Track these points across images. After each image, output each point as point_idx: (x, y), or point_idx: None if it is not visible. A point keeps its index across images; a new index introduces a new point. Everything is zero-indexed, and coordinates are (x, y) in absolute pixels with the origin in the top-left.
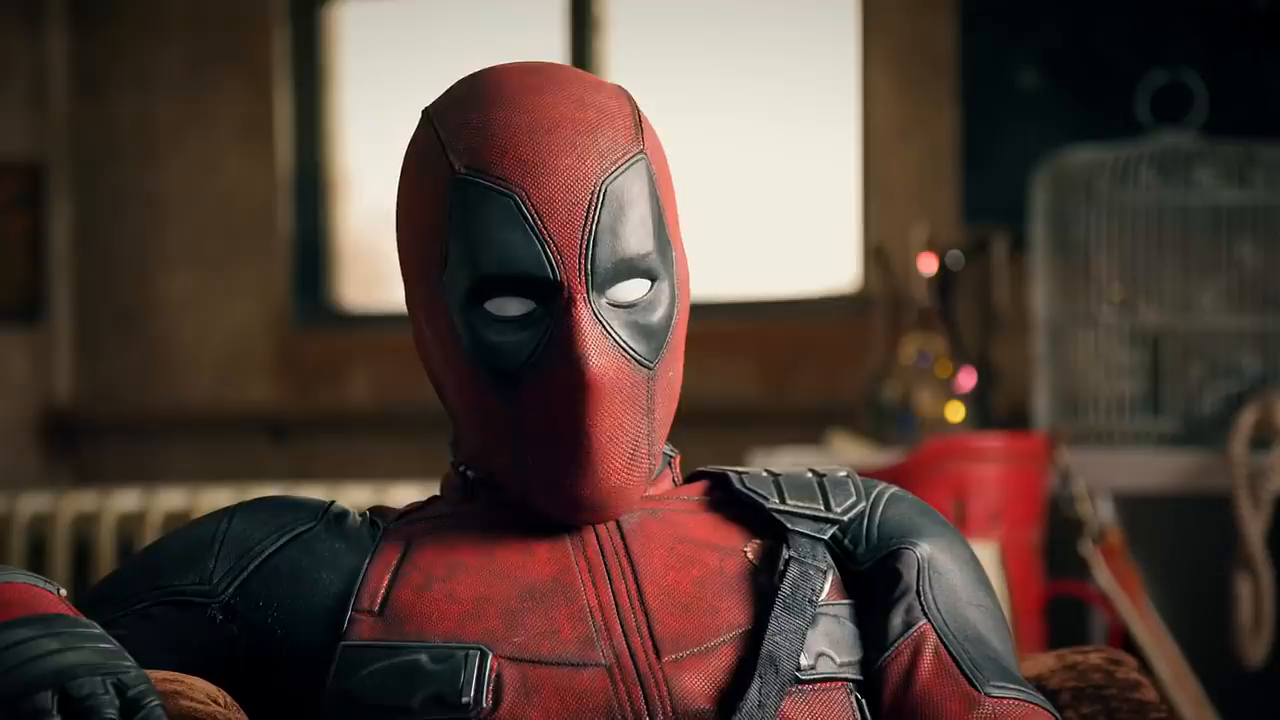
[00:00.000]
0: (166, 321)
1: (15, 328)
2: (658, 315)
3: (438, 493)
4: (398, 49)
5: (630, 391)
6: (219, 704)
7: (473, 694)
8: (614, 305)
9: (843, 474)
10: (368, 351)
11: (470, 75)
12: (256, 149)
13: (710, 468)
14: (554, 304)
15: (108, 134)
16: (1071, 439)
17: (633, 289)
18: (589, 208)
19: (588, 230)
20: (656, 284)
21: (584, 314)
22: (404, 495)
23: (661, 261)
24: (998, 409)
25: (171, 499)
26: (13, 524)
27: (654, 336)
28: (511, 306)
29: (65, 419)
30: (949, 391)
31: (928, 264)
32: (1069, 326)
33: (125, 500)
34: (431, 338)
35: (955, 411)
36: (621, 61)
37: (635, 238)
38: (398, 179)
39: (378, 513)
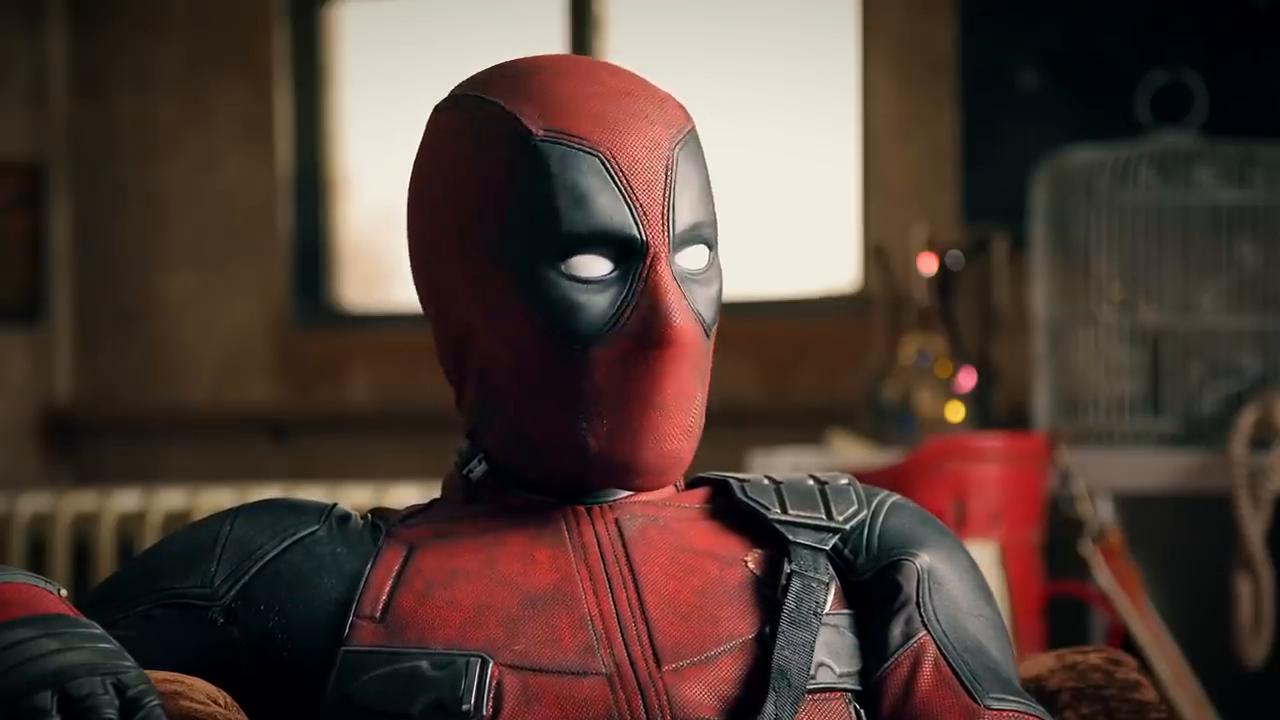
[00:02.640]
0: (166, 321)
1: (15, 328)
2: (716, 284)
3: (439, 494)
4: (398, 49)
5: (698, 357)
6: (219, 705)
7: (473, 701)
8: (684, 268)
9: (844, 481)
10: (368, 351)
11: (506, 61)
12: (256, 149)
13: (711, 474)
14: (635, 264)
15: (108, 134)
16: (1071, 439)
17: (698, 256)
18: (667, 170)
19: (668, 192)
20: (713, 254)
21: (668, 272)
22: (404, 495)
23: (716, 235)
24: (998, 409)
25: (171, 499)
26: (13, 524)
27: (713, 305)
28: (592, 267)
29: (65, 419)
30: (949, 391)
31: (928, 264)
32: (1069, 326)
33: (125, 500)
34: (483, 314)
35: (955, 411)
36: (621, 61)
37: (701, 204)
38: (416, 168)
39: (379, 515)
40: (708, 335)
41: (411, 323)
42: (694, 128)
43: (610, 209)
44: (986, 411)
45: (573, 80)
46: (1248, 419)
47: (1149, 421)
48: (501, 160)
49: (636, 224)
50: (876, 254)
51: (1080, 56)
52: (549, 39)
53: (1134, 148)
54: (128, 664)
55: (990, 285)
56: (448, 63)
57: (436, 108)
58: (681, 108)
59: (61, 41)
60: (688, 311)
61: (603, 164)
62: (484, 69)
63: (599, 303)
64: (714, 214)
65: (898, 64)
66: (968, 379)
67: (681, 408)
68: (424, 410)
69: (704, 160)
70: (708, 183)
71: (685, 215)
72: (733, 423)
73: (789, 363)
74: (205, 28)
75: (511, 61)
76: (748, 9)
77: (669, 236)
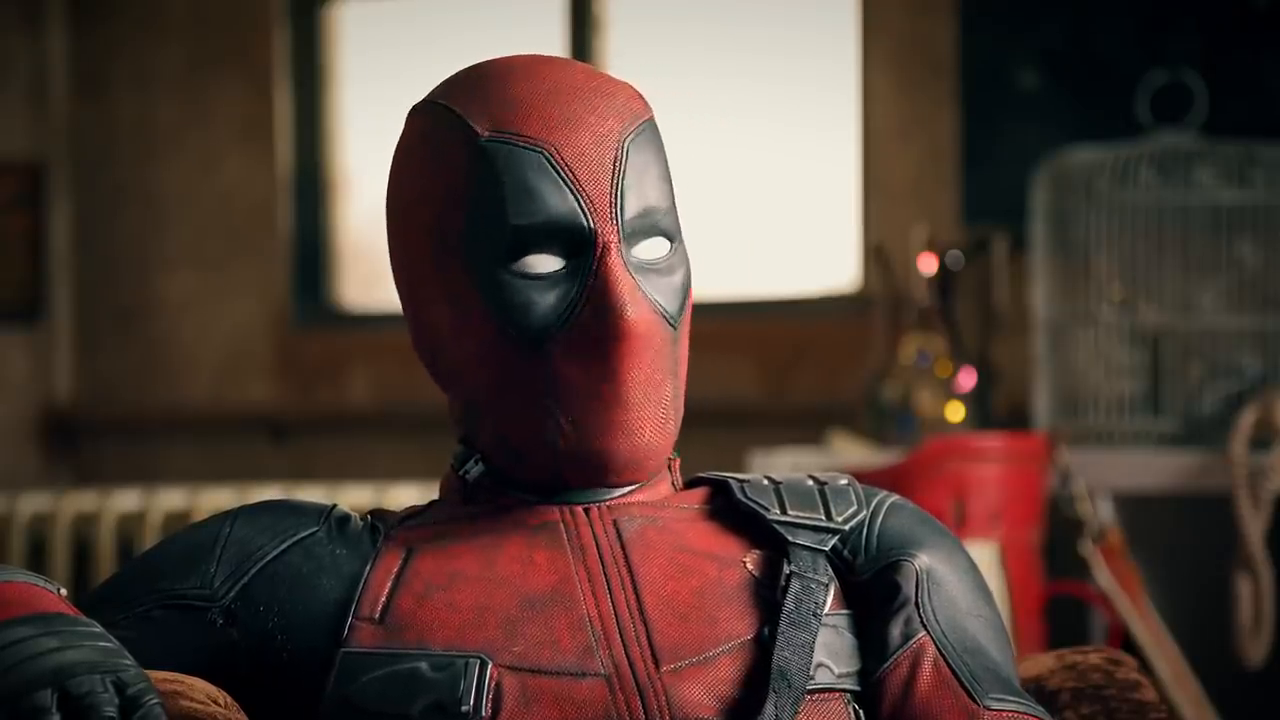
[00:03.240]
0: (166, 321)
1: (15, 328)
2: (678, 276)
3: (438, 494)
4: (398, 49)
5: (661, 348)
6: (219, 704)
7: (472, 703)
8: (640, 259)
9: (843, 482)
10: (368, 351)
11: (467, 67)
12: (256, 149)
13: (710, 474)
14: (586, 258)
15: (108, 134)
16: (1071, 439)
17: (656, 246)
18: (615, 162)
19: (615, 183)
20: (674, 245)
21: (618, 264)
22: (404, 495)
23: (675, 225)
24: (998, 409)
25: (171, 499)
26: (13, 524)
27: (675, 296)
28: (542, 264)
29: (65, 419)
30: (949, 391)
31: (928, 264)
32: (1069, 326)
33: (125, 500)
34: (451, 317)
35: (955, 411)
36: (621, 61)
37: (655, 196)
38: (391, 172)
39: (378, 516)
40: (672, 325)
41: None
42: (650, 118)
43: (557, 202)
44: (986, 411)
45: (522, 80)
46: (1248, 419)
47: (1149, 421)
48: (456, 164)
49: (584, 215)
50: (876, 254)
51: (1080, 56)
52: (549, 39)
53: (1134, 148)
54: (127, 662)
55: (990, 285)
56: (448, 63)
57: (408, 112)
58: (638, 98)
59: (61, 41)
60: (643, 302)
61: (548, 159)
62: (454, 73)
63: (551, 299)
64: (672, 204)
65: (898, 64)
66: (968, 379)
67: (649, 400)
68: (424, 410)
69: (661, 151)
70: (665, 173)
71: (637, 205)
72: (733, 423)
73: (789, 363)
74: (205, 28)
75: (473, 65)
76: (748, 9)
77: (619, 227)
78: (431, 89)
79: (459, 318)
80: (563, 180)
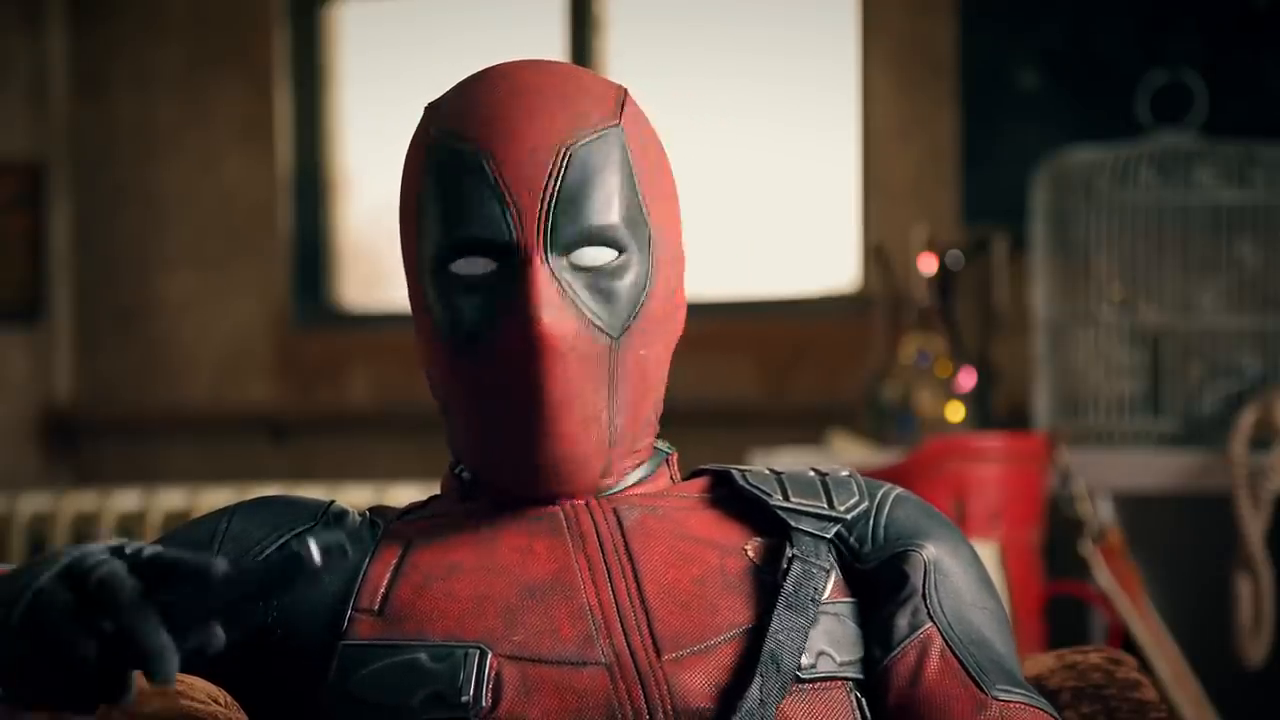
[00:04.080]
0: (166, 321)
1: (15, 328)
2: (623, 282)
3: (438, 492)
4: (398, 49)
5: (588, 356)
6: (219, 704)
7: (472, 693)
8: (576, 268)
9: (845, 473)
10: (368, 351)
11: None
12: (256, 149)
13: (712, 465)
14: (512, 263)
15: (108, 134)
16: (1071, 439)
17: (597, 254)
18: (552, 170)
19: (548, 192)
20: (624, 254)
21: (540, 273)
22: (404, 495)
23: (632, 235)
24: (998, 409)
25: (171, 499)
26: (13, 524)
27: (617, 303)
28: (475, 266)
29: (65, 419)
30: (949, 391)
31: (928, 264)
32: (1069, 326)
33: (125, 500)
34: (417, 319)
35: (955, 411)
36: (621, 61)
37: (597, 207)
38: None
39: (377, 512)
40: (609, 333)
41: (411, 323)
42: (614, 126)
43: (485, 210)
44: (986, 411)
45: (491, 83)
46: (1248, 419)
47: (1149, 421)
48: (417, 166)
49: (509, 225)
50: (876, 254)
51: (1080, 56)
52: (549, 39)
53: (1134, 148)
54: (118, 544)
55: (990, 285)
56: (448, 63)
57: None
58: (608, 105)
59: (61, 41)
60: (561, 310)
61: (482, 164)
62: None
63: (482, 301)
64: (631, 214)
65: (898, 64)
66: (968, 379)
67: (569, 409)
68: (424, 410)
69: (620, 159)
70: (624, 184)
71: (574, 214)
72: (733, 423)
73: (789, 363)
74: (205, 28)
75: (483, 69)
76: (748, 9)
77: (546, 236)
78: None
79: (420, 319)
80: (493, 186)
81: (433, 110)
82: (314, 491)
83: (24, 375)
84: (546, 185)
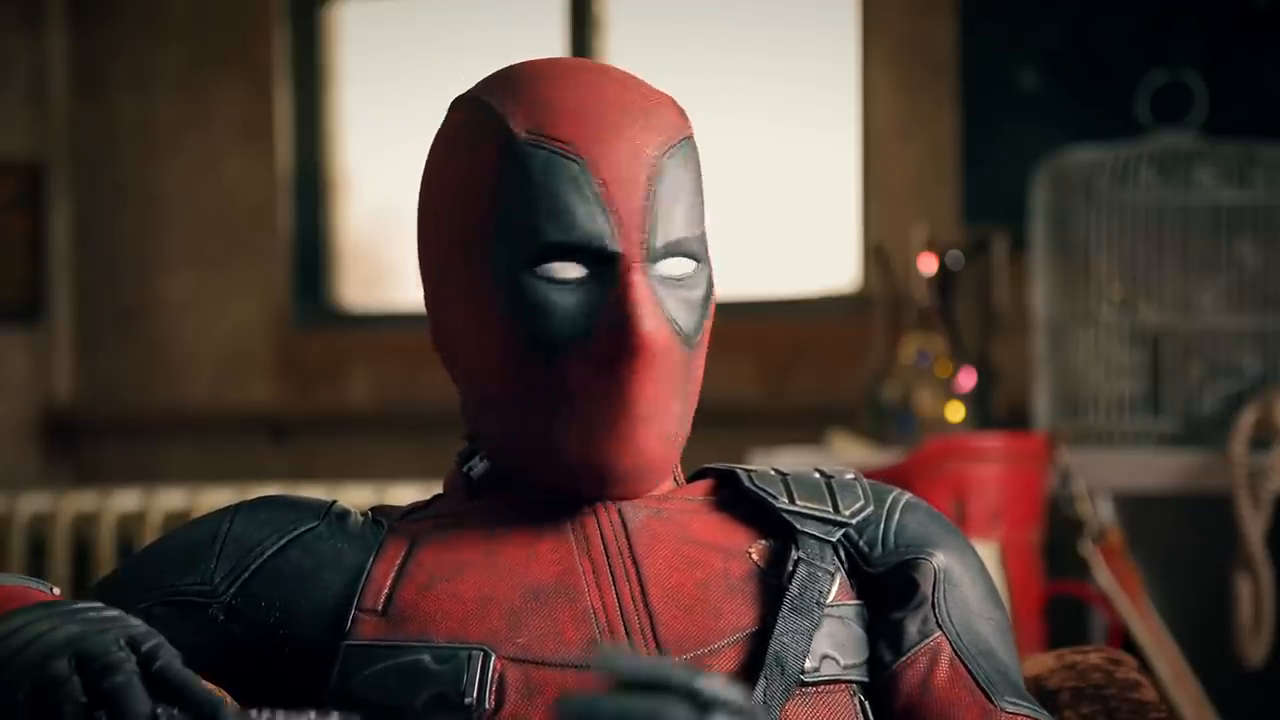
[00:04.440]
0: (166, 321)
1: (15, 328)
2: (698, 293)
3: (439, 491)
4: (398, 49)
5: (673, 367)
6: None
7: (475, 695)
8: (663, 278)
9: (850, 476)
10: (368, 351)
11: (510, 65)
12: (256, 149)
13: (717, 465)
14: (610, 271)
15: (108, 134)
16: (1071, 439)
17: (680, 265)
18: (649, 182)
19: (647, 203)
20: (699, 265)
21: (641, 281)
22: (404, 495)
23: (702, 246)
24: (998, 409)
25: (171, 499)
26: (13, 524)
27: (695, 314)
28: (566, 270)
29: (65, 419)
30: (949, 391)
31: (928, 264)
32: (1069, 326)
33: (125, 500)
34: (468, 312)
35: (955, 411)
36: (621, 62)
37: (686, 217)
38: (427, 163)
39: (380, 512)
40: (688, 345)
41: (411, 323)
42: (689, 136)
43: (586, 218)
44: (986, 411)
45: (565, 84)
46: (1248, 419)
47: (1149, 421)
48: (489, 162)
49: (612, 234)
50: (876, 254)
51: (1080, 56)
52: (549, 39)
53: (1134, 148)
54: (135, 622)
55: (990, 285)
56: (448, 63)
57: (450, 105)
58: (680, 115)
59: (61, 41)
60: (660, 319)
61: (582, 170)
62: (496, 70)
63: (571, 307)
64: (701, 226)
65: (898, 64)
66: (968, 379)
67: (656, 416)
68: (424, 410)
69: (696, 169)
70: (698, 192)
71: (666, 227)
72: (733, 423)
73: (789, 363)
74: (205, 28)
75: (516, 64)
76: (748, 9)
77: (646, 247)
78: (474, 84)
79: (477, 314)
80: (594, 194)
81: (497, 100)
82: (314, 491)
83: (24, 375)
84: (645, 197)
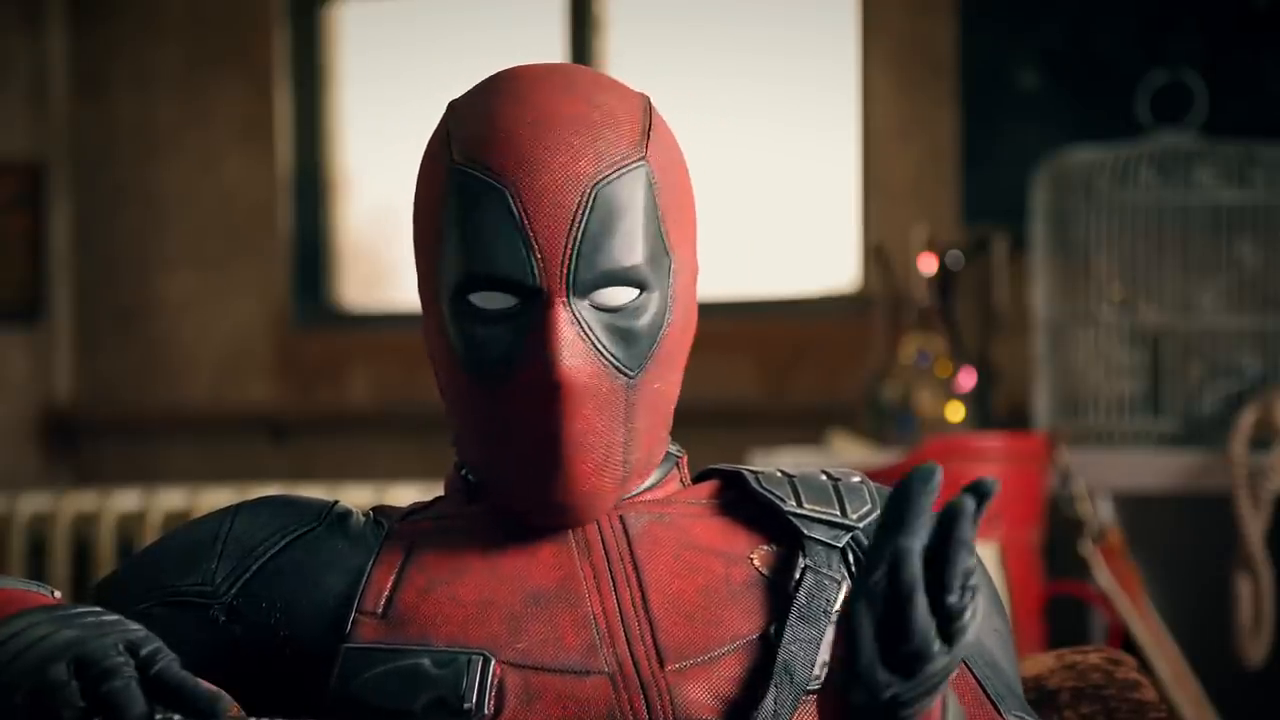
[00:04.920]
0: (166, 321)
1: (15, 328)
2: (642, 321)
3: (441, 492)
4: (398, 49)
5: (606, 397)
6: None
7: (475, 700)
8: (596, 308)
9: (856, 479)
10: (368, 351)
11: (496, 72)
12: (256, 149)
13: (723, 466)
14: (533, 304)
15: (108, 134)
16: (1071, 439)
17: (618, 294)
18: (576, 210)
19: (573, 234)
20: (645, 293)
21: (561, 316)
22: (404, 495)
23: (652, 272)
24: (998, 409)
25: (171, 499)
26: (13, 524)
27: (637, 343)
28: (495, 300)
29: (65, 419)
30: (949, 391)
31: (928, 264)
32: (1069, 326)
33: (125, 500)
34: (428, 326)
35: (955, 411)
36: (621, 61)
37: (621, 248)
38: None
39: (381, 513)
40: (627, 373)
41: (411, 323)
42: (639, 160)
43: (507, 252)
44: (986, 411)
45: (512, 104)
46: (1248, 419)
47: (1149, 421)
48: (436, 181)
49: (531, 268)
50: (876, 254)
51: (1080, 56)
52: (549, 39)
53: (1134, 148)
54: (134, 626)
55: (990, 285)
56: (448, 63)
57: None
58: (635, 135)
59: (61, 41)
60: (583, 354)
61: (506, 200)
62: (490, 74)
63: (501, 336)
64: (655, 252)
65: (898, 64)
66: (968, 379)
67: (587, 447)
68: (424, 410)
69: (645, 195)
70: (648, 220)
71: (598, 258)
72: (733, 423)
73: (789, 363)
74: (205, 28)
75: (498, 72)
76: (748, 9)
77: (568, 279)
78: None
79: (431, 329)
80: (518, 225)
81: (454, 117)
82: (314, 491)
83: (24, 375)
84: (571, 227)
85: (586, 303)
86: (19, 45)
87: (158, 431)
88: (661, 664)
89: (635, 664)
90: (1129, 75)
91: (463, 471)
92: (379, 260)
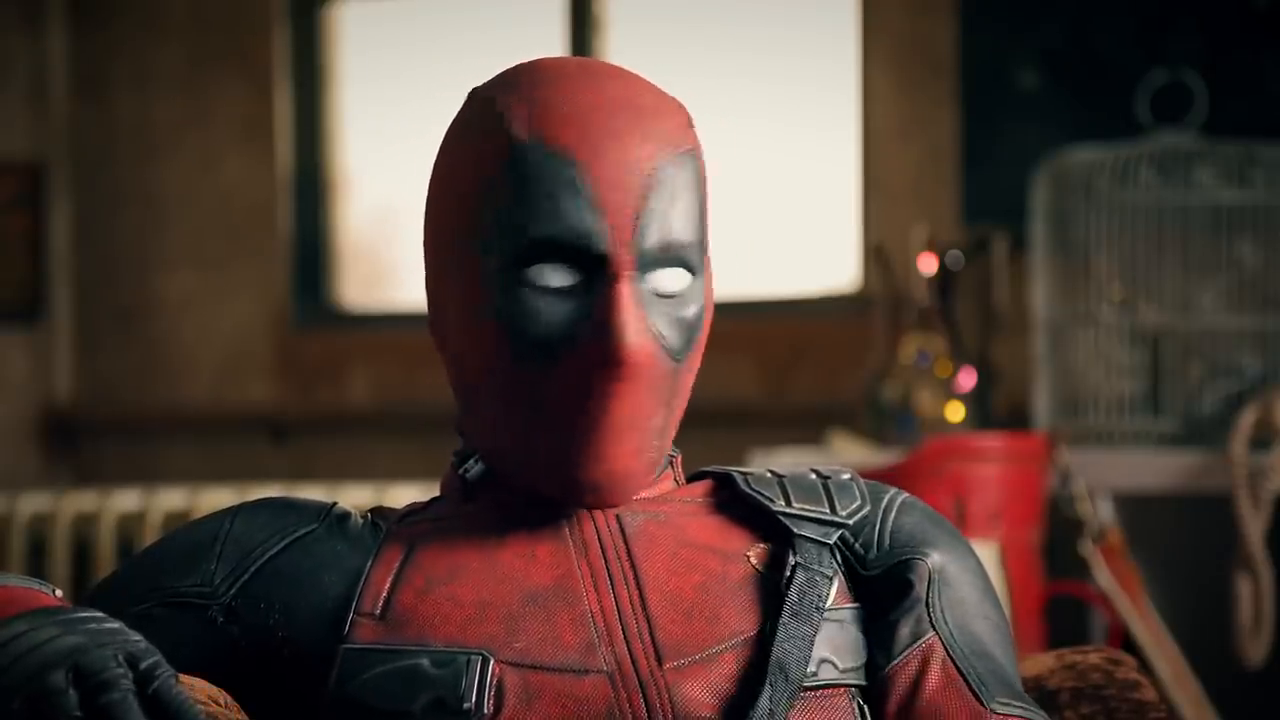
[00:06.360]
0: (166, 321)
1: (15, 328)
2: (691, 310)
3: (438, 493)
4: (398, 49)
5: (657, 380)
6: (220, 704)
7: (474, 699)
8: (654, 293)
9: (846, 476)
10: (368, 351)
11: (522, 63)
12: (256, 149)
13: (714, 468)
14: (598, 279)
15: (108, 134)
16: (1071, 439)
17: (674, 279)
18: (644, 187)
19: (641, 209)
20: (694, 279)
21: (627, 291)
22: (404, 495)
23: (699, 258)
24: (998, 409)
25: (171, 499)
26: (13, 524)
27: (685, 331)
28: (554, 277)
29: (65, 419)
30: (949, 391)
31: (928, 264)
32: (1069, 326)
33: (125, 500)
34: (460, 310)
35: (955, 411)
36: (621, 61)
37: (681, 224)
38: (439, 150)
39: (379, 514)
40: (676, 359)
41: (411, 323)
42: (694, 147)
43: (577, 220)
44: (986, 411)
45: (571, 86)
46: (1248, 419)
47: (1149, 421)
48: (489, 158)
49: (602, 233)
50: (876, 254)
51: (1080, 56)
52: (549, 39)
53: (1134, 148)
54: (136, 638)
55: (990, 285)
56: (448, 63)
57: (465, 97)
58: (685, 127)
59: (61, 41)
60: (645, 333)
61: (575, 174)
62: (509, 67)
63: (557, 313)
64: (702, 238)
65: (898, 64)
66: (968, 379)
67: (633, 430)
68: (424, 410)
69: (700, 182)
70: (699, 205)
71: (660, 235)
72: (733, 423)
73: (789, 363)
74: (205, 28)
75: (528, 63)
76: (748, 9)
77: (635, 253)
78: (490, 78)
79: (467, 310)
80: (587, 198)
81: (506, 100)
82: (314, 492)
83: (24, 375)
84: (639, 203)
85: (647, 285)
86: (19, 45)
87: (158, 431)
88: (660, 662)
89: (634, 662)
90: (1129, 75)
91: (461, 470)
92: (379, 260)
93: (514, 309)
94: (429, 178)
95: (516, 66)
